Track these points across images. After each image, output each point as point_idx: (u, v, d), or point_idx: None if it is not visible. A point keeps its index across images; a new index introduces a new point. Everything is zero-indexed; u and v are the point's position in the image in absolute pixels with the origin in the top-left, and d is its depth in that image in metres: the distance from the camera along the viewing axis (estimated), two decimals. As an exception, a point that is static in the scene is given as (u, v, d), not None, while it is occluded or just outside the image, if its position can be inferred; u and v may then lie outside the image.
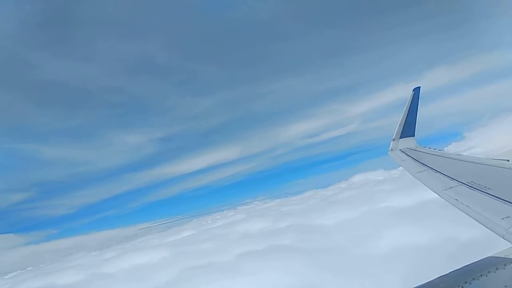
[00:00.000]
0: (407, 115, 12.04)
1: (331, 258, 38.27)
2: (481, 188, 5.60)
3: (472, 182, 6.02)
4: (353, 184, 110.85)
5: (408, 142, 11.81)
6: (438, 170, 7.64)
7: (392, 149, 11.83)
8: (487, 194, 5.28)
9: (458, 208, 5.29)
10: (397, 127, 12.06)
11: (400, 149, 11.45)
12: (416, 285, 3.55)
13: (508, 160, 7.12)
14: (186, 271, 44.11)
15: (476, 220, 4.73)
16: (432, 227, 34.03)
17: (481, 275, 3.55)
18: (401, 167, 10.10)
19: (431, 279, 3.61)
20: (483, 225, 4.51)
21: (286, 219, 69.97)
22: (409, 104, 12.03)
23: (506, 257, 3.78)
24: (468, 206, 5.13)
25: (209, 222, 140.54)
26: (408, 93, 12.32)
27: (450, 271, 3.70)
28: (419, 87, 12.25)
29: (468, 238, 27.06)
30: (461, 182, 6.26)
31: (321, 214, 64.73)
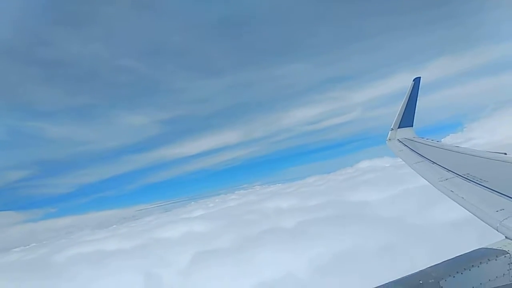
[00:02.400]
0: (406, 105, 12.12)
1: (396, 225, 39.70)
2: (477, 180, 5.63)
3: (468, 174, 6.05)
4: (361, 169, 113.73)
5: (406, 132, 11.88)
6: (435, 161, 7.68)
7: (390, 139, 11.89)
8: (482, 187, 5.30)
9: (454, 200, 5.30)
10: (395, 117, 12.15)
11: (398, 139, 11.48)
12: (409, 273, 3.63)
13: (505, 153, 7.16)
14: (260, 235, 44.70)
15: (471, 212, 4.71)
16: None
17: (473, 265, 3.59)
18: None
19: (423, 268, 3.67)
20: (478, 216, 4.50)
21: (315, 198, 71.02)
22: (409, 94, 12.10)
23: (499, 248, 3.81)
24: (463, 197, 5.16)
25: (213, 204, 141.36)
26: (414, 77, 12.31)
27: (442, 260, 3.75)
28: (419, 77, 12.29)
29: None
30: (457, 174, 6.28)
31: (353, 192, 65.87)
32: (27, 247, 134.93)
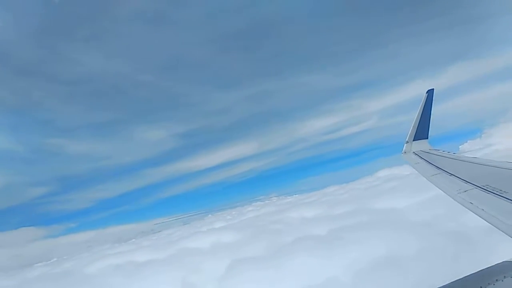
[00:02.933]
0: (421, 117, 12.03)
1: (429, 230, 39.65)
2: (496, 191, 5.50)
3: (487, 185, 5.93)
4: (381, 178, 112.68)
5: (421, 145, 11.77)
6: (453, 173, 7.58)
7: (405, 152, 11.85)
8: (502, 198, 5.18)
9: (473, 212, 5.19)
10: (410, 130, 12.09)
11: (413, 152, 11.38)
12: (437, 287, 3.57)
13: None
14: (294, 243, 45.00)
15: (491, 224, 4.60)
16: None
17: (496, 279, 3.51)
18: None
19: (446, 283, 3.60)
20: (498, 228, 4.39)
21: (340, 207, 70.71)
22: (423, 106, 11.99)
23: None
24: (483, 209, 5.04)
25: (231, 216, 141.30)
26: (428, 89, 12.23)
27: (465, 275, 3.70)
28: (433, 89, 12.18)
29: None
30: (476, 185, 6.16)
31: (379, 200, 65.59)
32: (49, 262, 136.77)
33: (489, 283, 3.47)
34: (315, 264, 36.76)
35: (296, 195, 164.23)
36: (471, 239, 33.02)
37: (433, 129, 12.21)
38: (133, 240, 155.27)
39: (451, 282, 3.62)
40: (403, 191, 65.80)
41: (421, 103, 12.04)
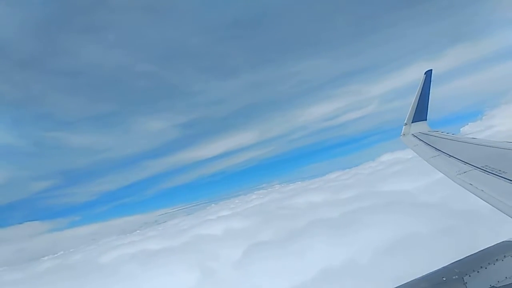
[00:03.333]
0: (419, 98, 11.92)
1: (443, 210, 40.39)
2: (496, 172, 5.49)
3: (486, 166, 5.92)
4: (384, 162, 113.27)
5: (420, 127, 11.72)
6: (452, 155, 7.54)
7: (404, 134, 11.76)
8: (502, 178, 5.18)
9: (473, 193, 5.20)
10: (408, 112, 12.00)
11: (412, 134, 11.31)
12: (431, 271, 3.63)
13: None
14: (307, 226, 45.64)
15: (491, 204, 4.61)
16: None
17: (497, 259, 3.54)
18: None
19: (446, 264, 3.67)
20: (498, 209, 4.39)
21: (346, 191, 71.28)
22: (421, 87, 11.86)
23: None
24: (482, 190, 5.04)
25: (234, 205, 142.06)
26: (426, 70, 12.09)
27: (465, 256, 3.74)
28: (431, 70, 12.01)
29: None
30: (475, 167, 6.15)
31: (386, 183, 66.21)
32: (56, 255, 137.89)
33: (489, 263, 3.53)
34: (331, 246, 37.42)
35: (298, 182, 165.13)
36: (485, 216, 33.86)
37: (434, 112, 12.14)
38: (138, 231, 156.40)
39: (452, 263, 3.68)
40: (409, 174, 66.13)
41: (419, 85, 11.96)
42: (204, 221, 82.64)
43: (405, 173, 69.39)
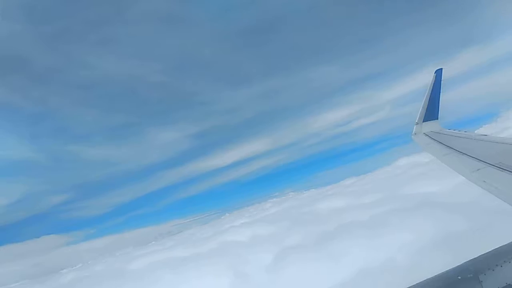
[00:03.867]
0: (430, 98, 11.82)
1: (476, 208, 40.29)
2: (510, 169, 5.40)
3: (500, 163, 5.79)
4: (402, 166, 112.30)
5: (431, 126, 11.55)
6: (464, 152, 7.45)
7: (415, 133, 11.64)
8: None
9: (487, 191, 5.13)
10: (419, 111, 11.90)
11: (424, 133, 11.19)
12: (448, 269, 3.60)
13: None
14: (337, 230, 45.69)
15: (506, 202, 4.54)
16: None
17: (504, 261, 3.50)
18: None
19: (462, 263, 3.64)
20: None
21: (369, 196, 70.64)
22: (432, 86, 11.76)
23: None
24: (497, 188, 4.97)
25: (250, 213, 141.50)
26: (436, 69, 12.07)
27: (479, 254, 3.72)
28: (441, 69, 11.91)
29: None
30: (489, 164, 6.04)
31: (410, 187, 65.61)
32: (75, 267, 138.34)
33: (505, 261, 3.48)
34: (369, 247, 37.39)
35: (313, 190, 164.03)
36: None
37: (447, 115, 12.06)
38: (153, 242, 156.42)
39: (466, 262, 3.66)
40: (430, 177, 65.78)
41: (430, 84, 11.86)
42: (228, 228, 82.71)
43: (426, 176, 68.44)
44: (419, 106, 12.27)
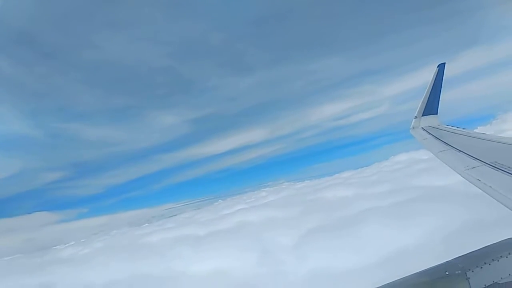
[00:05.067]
0: (431, 92, 11.76)
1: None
2: (505, 168, 5.44)
3: (495, 162, 5.84)
4: (401, 162, 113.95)
5: (430, 120, 11.52)
6: (461, 150, 7.46)
7: (414, 127, 11.59)
8: (510, 175, 5.14)
9: (481, 189, 5.18)
10: (419, 105, 11.89)
11: (422, 127, 11.16)
12: (435, 264, 3.65)
13: None
14: (359, 214, 46.65)
15: (498, 201, 4.58)
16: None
17: (501, 256, 3.57)
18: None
19: (450, 259, 3.69)
20: (506, 206, 4.37)
21: (376, 187, 71.38)
22: (433, 81, 11.67)
23: None
24: (490, 186, 5.00)
25: (246, 200, 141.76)
26: (439, 64, 11.96)
27: (469, 251, 3.76)
28: (444, 63, 11.83)
29: None
30: (484, 162, 6.09)
31: (417, 179, 67.14)
32: (67, 245, 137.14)
33: (493, 259, 3.55)
34: (392, 232, 38.31)
35: (307, 181, 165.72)
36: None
37: (445, 114, 11.99)
38: (146, 224, 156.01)
39: (455, 258, 3.72)
40: (437, 172, 67.53)
41: (431, 78, 11.78)
42: (234, 212, 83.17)
43: (432, 171, 70.45)
44: (419, 104, 12.36)
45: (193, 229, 66.98)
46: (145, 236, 75.41)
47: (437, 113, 11.82)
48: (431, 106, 11.79)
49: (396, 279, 3.50)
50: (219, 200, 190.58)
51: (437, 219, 37.49)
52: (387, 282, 3.52)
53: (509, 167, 5.45)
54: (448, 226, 34.92)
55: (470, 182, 5.68)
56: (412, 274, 3.58)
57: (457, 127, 10.34)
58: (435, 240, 33.67)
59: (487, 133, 9.06)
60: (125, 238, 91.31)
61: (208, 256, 44.46)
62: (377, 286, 3.50)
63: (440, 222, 36.44)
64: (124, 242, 79.97)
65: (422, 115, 11.79)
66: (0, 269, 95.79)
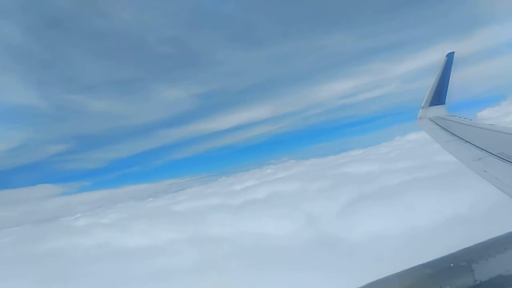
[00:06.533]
0: (438, 82, 11.70)
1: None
2: (511, 159, 5.44)
3: (502, 153, 5.82)
4: (413, 141, 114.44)
5: (438, 111, 11.44)
6: (468, 140, 7.47)
7: (420, 118, 11.49)
8: None
9: (487, 180, 5.13)
10: (427, 94, 11.83)
11: (429, 118, 11.09)
12: (441, 256, 3.62)
13: None
14: (401, 185, 47.01)
15: (505, 193, 4.56)
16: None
17: (506, 248, 3.56)
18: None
19: (456, 250, 3.65)
20: (511, 197, 4.39)
21: (399, 162, 71.19)
22: (441, 70, 11.65)
23: None
24: (496, 177, 4.99)
25: (253, 177, 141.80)
26: (448, 53, 11.90)
27: (474, 243, 3.72)
28: (453, 53, 11.81)
29: None
30: (491, 153, 6.06)
31: (441, 156, 67.99)
32: (73, 217, 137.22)
33: (498, 252, 3.52)
34: (443, 201, 38.64)
35: (313, 159, 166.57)
36: None
37: (454, 94, 11.84)
38: (151, 198, 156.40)
39: (459, 250, 3.69)
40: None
41: (440, 67, 11.76)
42: (259, 184, 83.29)
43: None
44: (427, 85, 12.21)
45: (220, 200, 67.17)
46: (173, 205, 75.18)
47: (445, 103, 11.71)
48: (438, 96, 11.70)
49: (400, 270, 3.48)
50: (223, 177, 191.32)
51: (478, 193, 38.01)
52: (392, 274, 3.48)
53: None
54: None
55: (476, 173, 5.59)
56: (417, 266, 3.52)
57: (465, 118, 10.29)
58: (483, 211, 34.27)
59: (495, 114, 8.76)
60: (151, 208, 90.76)
61: (265, 222, 44.54)
62: (381, 276, 3.47)
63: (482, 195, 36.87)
64: (153, 212, 79.43)
65: (430, 105, 11.74)
66: (14, 239, 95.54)
